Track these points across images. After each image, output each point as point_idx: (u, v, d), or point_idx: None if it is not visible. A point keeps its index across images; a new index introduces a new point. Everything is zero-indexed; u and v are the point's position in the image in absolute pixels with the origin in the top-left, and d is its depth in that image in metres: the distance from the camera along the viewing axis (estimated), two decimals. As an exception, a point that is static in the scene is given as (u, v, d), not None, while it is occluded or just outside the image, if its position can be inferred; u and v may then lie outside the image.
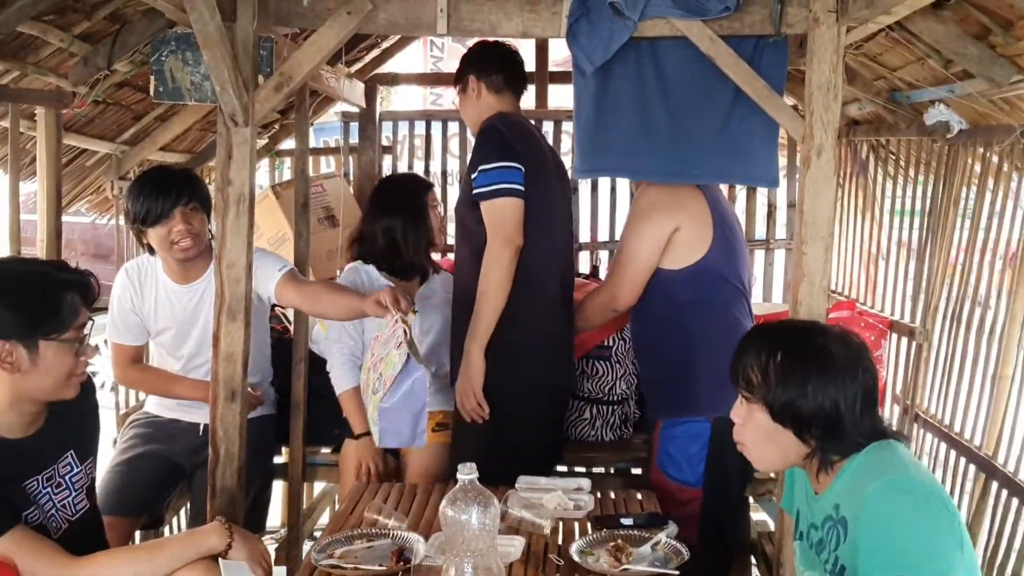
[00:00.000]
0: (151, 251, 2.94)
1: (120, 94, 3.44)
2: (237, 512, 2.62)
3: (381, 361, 2.47)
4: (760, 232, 4.68)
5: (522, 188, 2.69)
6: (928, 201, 3.33)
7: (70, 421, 2.11)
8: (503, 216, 2.68)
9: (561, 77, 4.48)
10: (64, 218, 3.24)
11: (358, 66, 4.50)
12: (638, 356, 3.09)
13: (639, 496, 2.54)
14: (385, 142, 4.62)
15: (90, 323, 2.03)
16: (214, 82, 2.53)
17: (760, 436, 1.74)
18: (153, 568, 1.95)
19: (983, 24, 2.41)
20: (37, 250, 3.07)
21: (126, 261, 3.32)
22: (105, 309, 2.97)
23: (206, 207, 2.91)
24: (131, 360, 3.05)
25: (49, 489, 2.04)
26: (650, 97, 2.72)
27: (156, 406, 3.15)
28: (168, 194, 2.81)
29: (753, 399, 1.73)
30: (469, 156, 2.92)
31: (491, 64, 2.90)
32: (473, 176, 2.73)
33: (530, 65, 3.35)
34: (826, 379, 1.66)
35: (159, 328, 3.00)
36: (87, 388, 2.20)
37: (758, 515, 3.64)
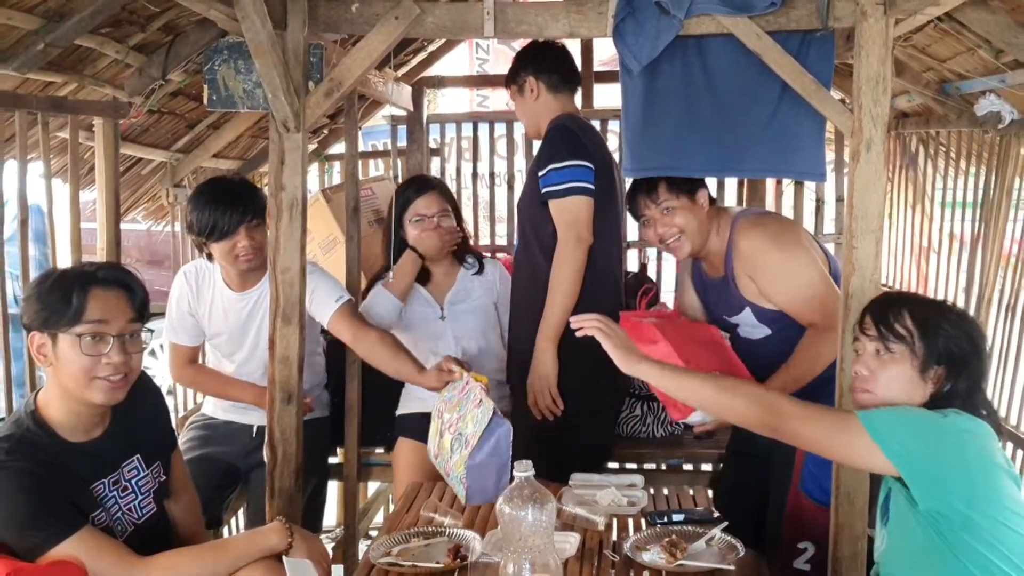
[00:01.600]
0: (210, 258, 3.01)
1: (174, 103, 3.52)
2: (295, 512, 2.67)
3: (459, 420, 2.47)
4: (808, 227, 4.63)
5: (593, 187, 2.78)
6: (980, 193, 3.29)
7: (135, 425, 2.15)
8: (576, 214, 2.76)
9: (606, 76, 4.48)
10: (121, 225, 3.32)
11: (405, 70, 4.55)
12: (768, 371, 2.75)
13: (692, 492, 2.55)
14: (433, 144, 4.67)
15: (123, 324, 2.00)
16: (266, 89, 2.58)
17: (895, 385, 1.89)
18: (217, 567, 1.99)
19: (1035, 12, 2.38)
20: (97, 258, 3.15)
21: (182, 266, 3.40)
22: (161, 315, 3.05)
23: (265, 219, 2.93)
24: (187, 360, 3.14)
25: (115, 492, 2.09)
26: (697, 94, 2.72)
27: (213, 408, 3.23)
28: (235, 210, 2.86)
29: (897, 349, 1.88)
30: (536, 154, 2.93)
31: (547, 63, 2.93)
32: (543, 174, 2.77)
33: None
34: (970, 336, 1.88)
35: (213, 331, 3.08)
36: (151, 390, 2.25)
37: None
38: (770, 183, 4.41)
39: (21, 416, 2.00)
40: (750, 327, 2.73)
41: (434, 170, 4.63)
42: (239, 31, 2.54)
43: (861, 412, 1.80)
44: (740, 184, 4.29)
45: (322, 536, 3.54)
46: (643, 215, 2.75)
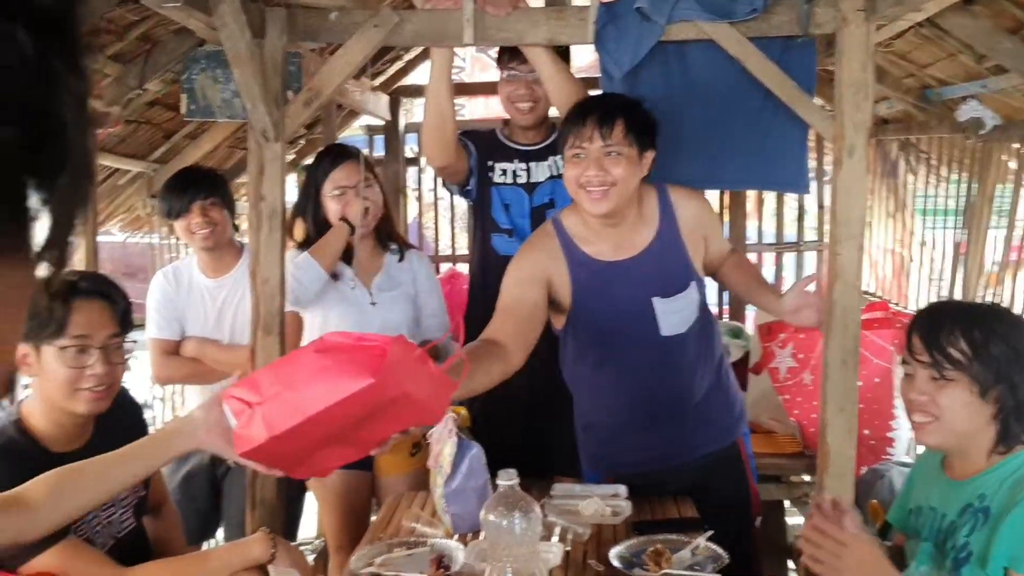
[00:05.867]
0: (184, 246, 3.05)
1: (151, 113, 3.49)
2: (276, 523, 2.64)
3: (439, 455, 2.44)
4: (790, 235, 4.65)
5: None
6: (961, 200, 3.31)
7: (115, 438, 2.11)
8: None
9: (586, 83, 4.48)
10: (98, 238, 3.29)
11: (382, 79, 4.54)
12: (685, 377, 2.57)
13: (676, 501, 2.53)
14: (409, 154, 4.66)
15: (106, 336, 1.99)
16: (244, 99, 2.55)
17: (958, 409, 1.75)
18: (199, 579, 1.96)
19: (1017, 18, 2.39)
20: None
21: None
22: (139, 327, 3.02)
23: (226, 202, 3.08)
24: (170, 352, 3.11)
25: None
26: (678, 101, 2.72)
27: None
28: (187, 190, 3.01)
29: (954, 373, 1.74)
30: None
31: None
32: None
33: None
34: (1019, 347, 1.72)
35: (193, 323, 3.11)
36: (130, 404, 2.23)
37: (794, 519, 3.61)
38: (751, 191, 4.43)
39: (5, 425, 1.99)
40: (676, 314, 2.38)
41: (411, 180, 4.61)
42: (217, 40, 2.52)
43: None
44: (721, 193, 4.30)
45: (301, 547, 3.50)
46: (580, 147, 2.24)
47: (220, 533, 3.40)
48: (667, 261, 2.38)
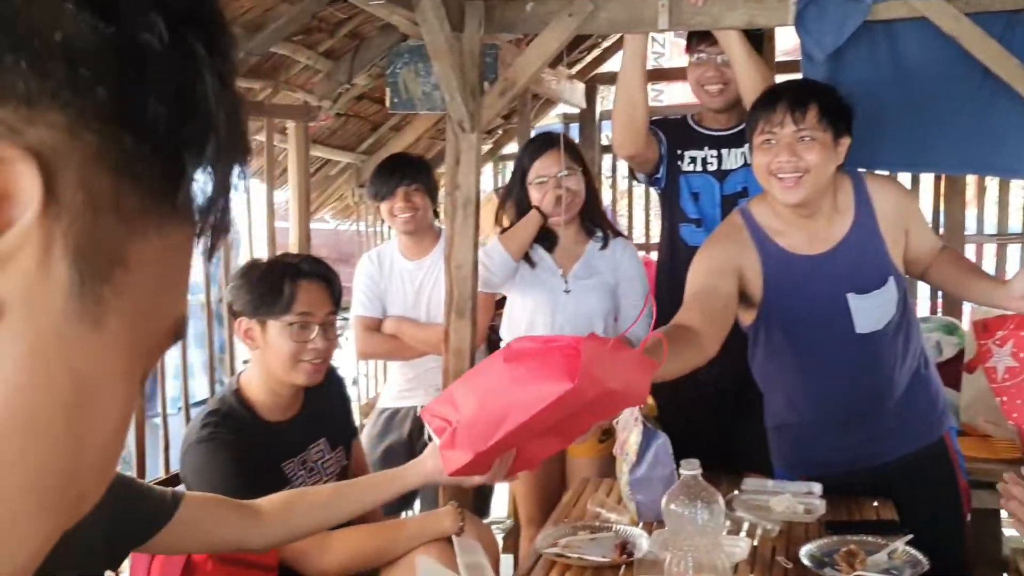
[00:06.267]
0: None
1: (359, 106, 3.69)
2: (466, 498, 2.73)
3: (625, 443, 2.45)
4: (1015, 225, 4.30)
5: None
6: None
7: (322, 410, 2.30)
8: None
9: (789, 67, 4.32)
10: (311, 224, 3.52)
11: (579, 67, 4.57)
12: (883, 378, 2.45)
13: (875, 503, 2.41)
14: (605, 141, 4.66)
15: (325, 314, 2.17)
16: (443, 91, 2.65)
17: None
18: (391, 545, 2.08)
19: None
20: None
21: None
22: (347, 308, 3.22)
23: (428, 188, 3.22)
24: (371, 329, 3.29)
25: (303, 472, 2.22)
26: (886, 83, 2.58)
27: (384, 400, 3.40)
28: (394, 175, 3.15)
29: None
30: None
31: None
32: None
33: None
34: None
35: (393, 303, 3.27)
36: (337, 380, 2.40)
37: (1011, 531, 3.35)
38: (971, 177, 4.13)
39: (226, 394, 2.21)
40: (873, 311, 2.26)
41: (606, 167, 4.61)
42: (419, 35, 2.63)
43: None
44: (937, 179, 4.03)
45: (492, 525, 3.61)
46: (770, 133, 2.15)
47: (417, 506, 3.57)
48: (863, 255, 2.26)
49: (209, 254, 0.37)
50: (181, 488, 1.97)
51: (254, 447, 2.09)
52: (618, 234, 3.05)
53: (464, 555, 2.00)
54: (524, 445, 1.74)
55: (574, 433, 1.78)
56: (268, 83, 3.07)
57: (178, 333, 0.37)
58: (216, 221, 0.36)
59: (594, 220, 2.98)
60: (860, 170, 2.37)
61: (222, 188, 0.36)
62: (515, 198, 2.94)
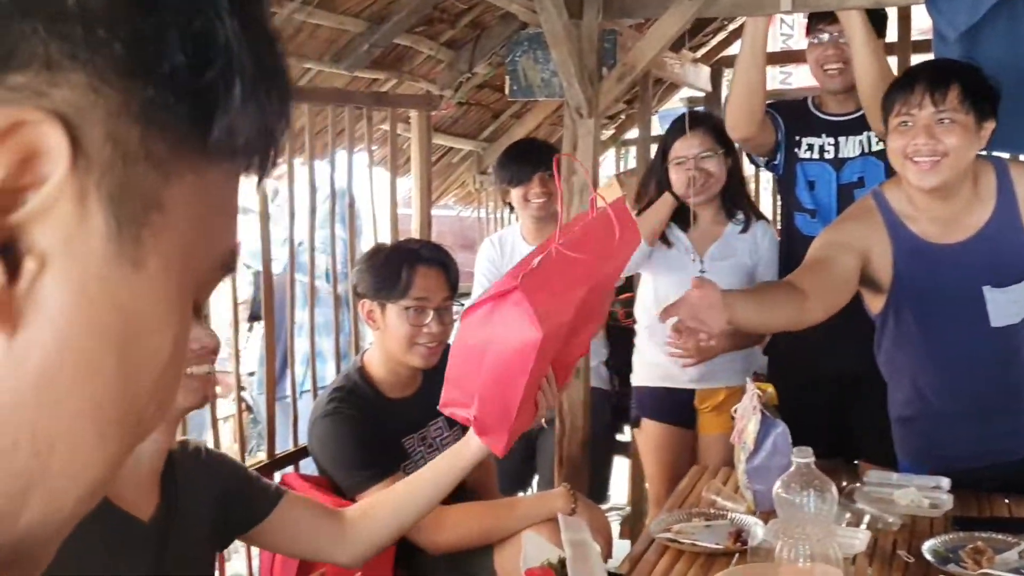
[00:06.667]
0: (510, 208, 3.31)
1: (480, 95, 3.75)
2: (581, 481, 2.77)
3: (743, 431, 2.43)
4: None
5: None
6: None
7: (440, 390, 2.36)
8: None
9: (925, 46, 4.14)
10: (433, 211, 3.61)
11: (703, 50, 4.50)
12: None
13: (1007, 500, 2.31)
14: (730, 125, 4.57)
15: (441, 299, 2.22)
16: (562, 77, 2.68)
17: None
18: (504, 522, 2.13)
19: None
20: (412, 239, 3.45)
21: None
22: (467, 295, 3.29)
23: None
24: None
25: (422, 448, 2.30)
26: (1025, 62, 2.44)
27: None
28: (529, 161, 3.14)
29: None
30: None
31: None
32: None
33: (891, 35, 3.15)
34: None
35: None
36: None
37: None
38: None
39: (350, 372, 2.32)
40: (1011, 305, 2.17)
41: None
42: (538, 23, 2.66)
43: None
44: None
45: (610, 513, 3.62)
46: (908, 115, 2.06)
47: (535, 486, 3.62)
48: (1003, 246, 2.15)
49: (257, 185, 0.40)
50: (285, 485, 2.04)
51: (376, 422, 2.18)
52: (761, 217, 3.01)
53: (569, 531, 2.03)
54: (556, 366, 1.66)
55: (596, 318, 1.69)
56: (392, 74, 3.17)
57: (228, 265, 0.40)
58: (259, 159, 0.39)
59: (736, 202, 2.94)
60: (1003, 156, 2.27)
61: (258, 125, 0.38)
62: (656, 178, 2.92)
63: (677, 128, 2.87)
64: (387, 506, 1.80)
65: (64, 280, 0.33)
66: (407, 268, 2.20)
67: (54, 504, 0.36)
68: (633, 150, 5.01)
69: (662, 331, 2.43)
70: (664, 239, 2.88)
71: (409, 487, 1.82)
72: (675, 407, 2.89)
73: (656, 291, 2.88)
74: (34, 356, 0.33)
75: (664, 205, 2.85)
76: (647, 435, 2.97)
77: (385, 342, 2.25)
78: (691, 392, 2.88)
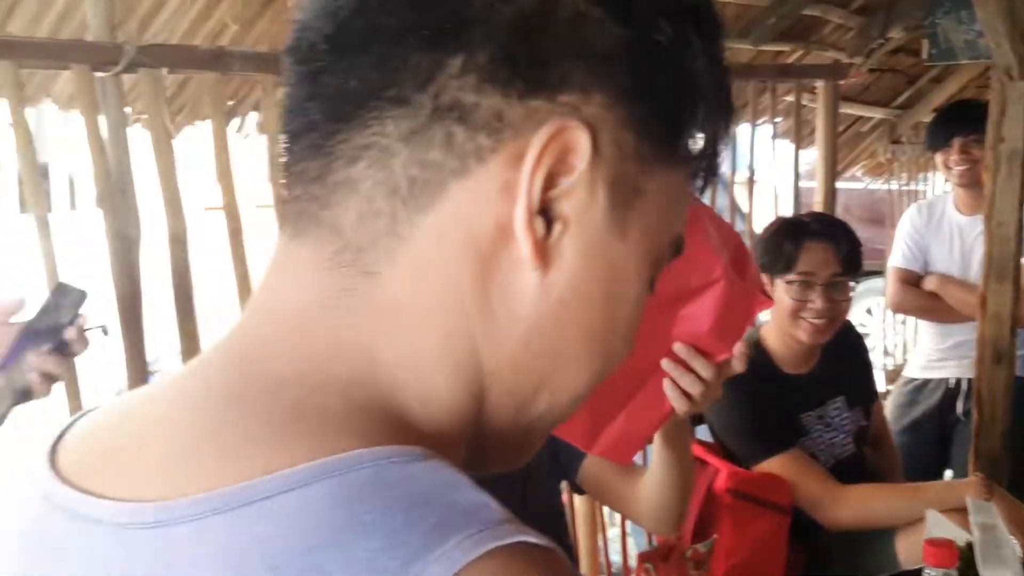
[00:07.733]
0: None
1: (894, 60, 3.56)
2: (999, 475, 2.55)
3: None
4: None
5: None
6: None
7: (840, 369, 2.32)
8: None
9: None
10: (838, 184, 3.49)
11: None
12: None
13: None
14: None
15: (828, 275, 2.14)
16: (988, 37, 2.46)
17: None
18: (908, 508, 2.04)
19: None
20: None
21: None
22: (876, 273, 3.15)
23: None
24: (906, 282, 3.15)
25: (819, 426, 2.27)
26: None
27: (911, 369, 3.24)
28: (948, 125, 2.96)
29: None
30: None
31: None
32: None
33: None
34: None
35: (936, 259, 3.08)
36: (855, 339, 2.41)
37: None
38: None
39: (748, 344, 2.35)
40: None
41: None
42: (961, -21, 2.48)
43: None
44: None
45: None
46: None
47: (947, 474, 3.40)
48: None
49: (701, 190, 0.52)
50: None
51: (772, 395, 2.19)
52: None
53: (978, 514, 1.91)
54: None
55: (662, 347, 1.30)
56: (798, 45, 3.12)
57: (677, 247, 0.52)
58: (706, 166, 0.51)
59: None
60: None
61: (711, 141, 0.50)
62: None
63: None
64: None
65: (576, 240, 0.47)
66: (791, 242, 2.17)
67: (553, 404, 0.50)
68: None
69: None
70: None
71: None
72: None
73: None
74: (554, 291, 0.47)
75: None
76: None
77: (776, 315, 2.25)
78: None
